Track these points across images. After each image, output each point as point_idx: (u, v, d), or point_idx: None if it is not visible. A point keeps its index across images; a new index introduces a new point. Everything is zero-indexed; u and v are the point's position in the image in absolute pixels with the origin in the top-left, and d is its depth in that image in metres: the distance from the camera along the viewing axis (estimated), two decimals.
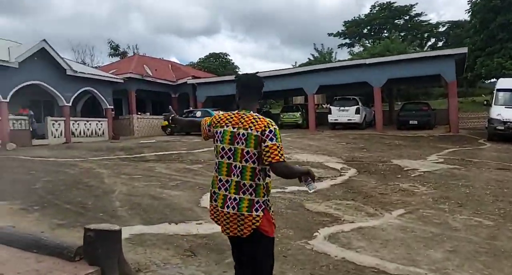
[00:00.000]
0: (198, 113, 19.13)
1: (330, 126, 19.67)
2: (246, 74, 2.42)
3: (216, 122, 2.27)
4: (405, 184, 7.29)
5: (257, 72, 2.41)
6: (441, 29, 41.24)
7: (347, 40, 43.19)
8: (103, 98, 19.60)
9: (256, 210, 2.09)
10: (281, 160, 2.05)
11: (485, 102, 16.35)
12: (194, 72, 27.09)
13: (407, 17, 42.08)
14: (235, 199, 2.11)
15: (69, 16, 65.09)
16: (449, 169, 8.64)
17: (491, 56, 24.82)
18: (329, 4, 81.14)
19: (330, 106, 20.00)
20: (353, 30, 42.16)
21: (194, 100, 23.50)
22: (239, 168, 2.11)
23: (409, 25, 41.47)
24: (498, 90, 14.30)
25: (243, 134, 2.11)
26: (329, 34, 44.08)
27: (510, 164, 9.24)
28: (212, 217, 2.28)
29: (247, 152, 2.10)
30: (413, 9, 41.42)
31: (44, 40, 16.35)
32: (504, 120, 13.15)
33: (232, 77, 25.72)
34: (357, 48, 40.16)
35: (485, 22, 25.65)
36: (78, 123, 18.51)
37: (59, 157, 11.72)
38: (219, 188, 2.18)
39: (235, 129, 2.15)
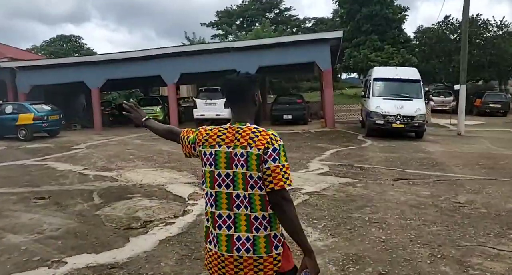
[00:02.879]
0: (8, 109, 13.52)
1: (196, 122, 16.29)
2: (232, 76, 1.68)
3: (203, 140, 1.67)
4: None
5: (239, 72, 1.69)
6: (308, 25, 42.21)
7: (220, 32, 40.88)
8: None
9: (276, 247, 1.59)
10: (285, 185, 1.52)
11: (362, 93, 15.03)
12: (16, 54, 20.33)
13: (277, 11, 42.07)
14: (247, 238, 1.57)
15: None
16: (341, 185, 6.21)
17: (358, 48, 24.85)
18: None
19: (195, 99, 16.63)
20: (225, 20, 40.18)
21: (15, 90, 17.33)
22: (245, 197, 1.57)
23: (279, 19, 41.51)
24: (376, 80, 12.86)
25: (242, 154, 1.56)
26: (202, 24, 41.50)
27: (404, 169, 7.61)
28: (210, 266, 1.66)
29: (250, 176, 1.55)
30: (282, 3, 41.59)
31: None
32: (384, 113, 11.69)
33: (74, 59, 20.37)
34: (230, 39, 38.10)
35: (352, 13, 25.62)
36: None
37: None
38: (220, 227, 1.61)
39: (230, 149, 1.58)
